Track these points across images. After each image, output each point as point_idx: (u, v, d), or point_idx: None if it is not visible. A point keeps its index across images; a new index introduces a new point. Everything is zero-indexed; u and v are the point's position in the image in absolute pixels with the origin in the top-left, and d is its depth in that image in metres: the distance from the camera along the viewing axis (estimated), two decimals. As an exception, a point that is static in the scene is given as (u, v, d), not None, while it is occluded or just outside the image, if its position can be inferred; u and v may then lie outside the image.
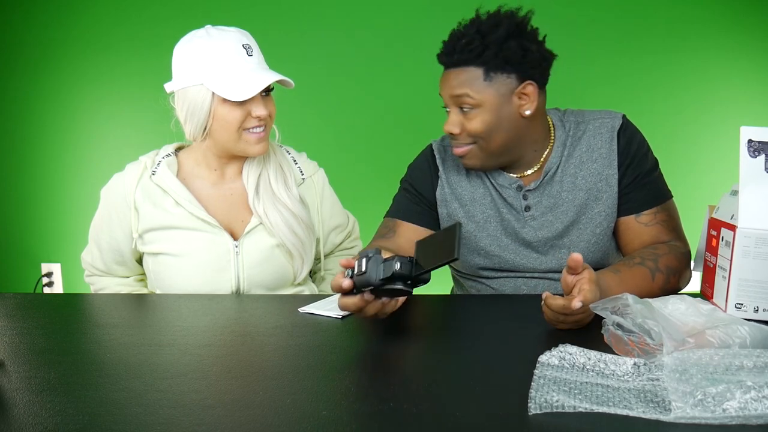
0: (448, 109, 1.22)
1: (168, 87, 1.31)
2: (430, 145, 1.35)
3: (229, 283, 1.33)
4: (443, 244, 0.88)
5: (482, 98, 1.16)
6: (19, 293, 1.30)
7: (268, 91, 1.30)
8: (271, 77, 1.26)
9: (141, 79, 2.50)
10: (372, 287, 0.89)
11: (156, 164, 1.35)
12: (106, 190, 1.39)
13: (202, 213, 1.32)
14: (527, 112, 1.18)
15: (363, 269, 0.89)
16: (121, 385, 0.79)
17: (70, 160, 2.61)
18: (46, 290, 2.67)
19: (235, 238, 1.34)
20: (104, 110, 2.57)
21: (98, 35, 2.51)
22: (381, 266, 0.89)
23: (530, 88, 1.17)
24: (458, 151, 1.22)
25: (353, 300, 0.92)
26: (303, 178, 1.43)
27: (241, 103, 1.25)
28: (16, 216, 2.66)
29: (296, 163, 1.44)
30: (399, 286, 0.88)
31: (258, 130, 1.29)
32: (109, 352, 0.92)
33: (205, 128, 1.28)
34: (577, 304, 0.90)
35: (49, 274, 2.67)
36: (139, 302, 1.26)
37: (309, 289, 1.45)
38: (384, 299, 0.94)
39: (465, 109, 1.17)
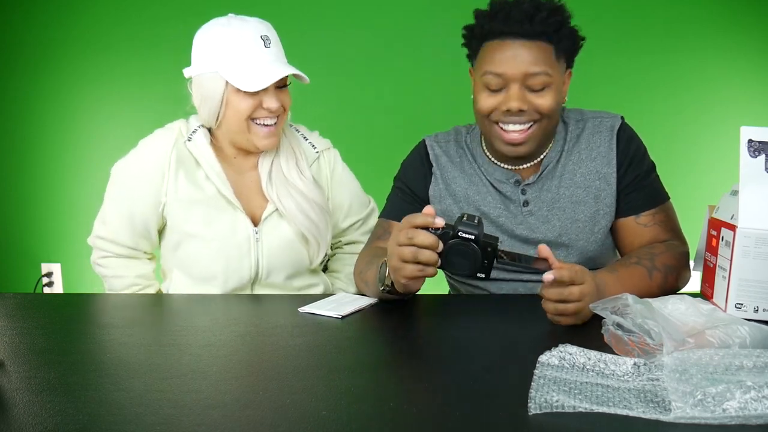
0: (493, 88, 1.12)
1: (186, 72, 1.31)
2: (423, 141, 1.33)
3: (248, 269, 1.34)
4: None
5: (556, 77, 1.12)
6: (19, 293, 1.30)
7: (283, 84, 1.30)
8: (284, 71, 1.25)
9: (141, 79, 2.50)
10: (464, 242, 0.94)
11: (191, 131, 1.34)
12: (131, 159, 1.35)
13: (229, 193, 1.32)
14: (565, 99, 1.19)
15: (475, 222, 0.96)
16: (121, 385, 0.79)
17: (70, 160, 2.61)
18: (46, 290, 2.67)
19: (255, 222, 1.35)
20: (104, 110, 2.57)
21: (98, 35, 2.51)
22: (487, 235, 0.96)
23: (568, 76, 1.18)
24: (519, 135, 1.14)
25: (433, 238, 0.94)
26: (316, 153, 1.42)
27: (254, 94, 1.25)
28: (16, 216, 2.66)
29: (306, 140, 1.43)
30: (483, 263, 0.95)
31: (269, 122, 1.29)
32: (109, 352, 0.92)
33: (218, 116, 1.29)
34: (548, 276, 0.94)
35: (49, 274, 2.67)
36: (139, 302, 1.26)
37: (323, 282, 1.45)
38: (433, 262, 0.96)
39: (535, 89, 1.11)
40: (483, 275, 0.97)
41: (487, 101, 1.14)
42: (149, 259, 1.45)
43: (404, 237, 0.95)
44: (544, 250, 0.98)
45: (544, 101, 1.12)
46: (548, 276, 0.94)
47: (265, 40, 1.26)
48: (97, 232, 1.40)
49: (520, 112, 1.12)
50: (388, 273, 1.03)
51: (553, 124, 1.18)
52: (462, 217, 0.97)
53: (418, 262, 0.96)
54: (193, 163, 1.33)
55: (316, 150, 1.42)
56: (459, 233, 0.95)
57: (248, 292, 1.37)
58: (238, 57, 1.24)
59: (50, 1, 2.50)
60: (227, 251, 1.32)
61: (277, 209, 1.35)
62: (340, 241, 1.53)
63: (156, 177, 1.31)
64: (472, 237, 0.94)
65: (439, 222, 0.95)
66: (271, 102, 1.26)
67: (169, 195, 1.32)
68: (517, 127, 1.14)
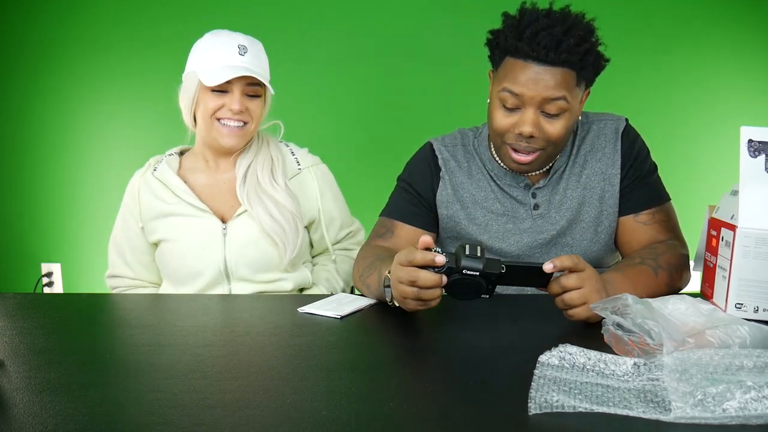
0: (509, 106, 1.12)
1: (183, 77, 1.40)
2: (430, 144, 1.32)
3: (217, 262, 1.39)
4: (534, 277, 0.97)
5: (573, 103, 1.11)
6: (19, 293, 1.30)
7: (255, 95, 1.36)
8: (246, 72, 1.30)
9: (141, 79, 2.50)
10: (468, 276, 0.93)
11: (158, 162, 1.47)
12: (123, 199, 1.49)
13: (194, 200, 1.41)
14: (579, 118, 1.20)
15: (478, 255, 0.93)
16: (121, 385, 0.79)
17: (70, 160, 2.61)
18: (46, 290, 2.67)
19: (224, 222, 1.41)
20: (104, 110, 2.57)
21: (98, 35, 2.51)
22: (491, 262, 0.94)
23: (586, 95, 1.18)
24: (524, 158, 1.15)
25: (436, 277, 0.93)
26: (299, 168, 1.48)
27: (220, 94, 1.33)
28: (16, 216, 2.66)
29: (293, 155, 1.49)
30: (487, 288, 0.95)
31: (231, 123, 1.35)
32: (109, 352, 0.92)
33: (191, 112, 1.38)
34: (547, 265, 0.93)
35: (49, 274, 2.67)
36: (139, 302, 1.26)
37: (301, 278, 1.46)
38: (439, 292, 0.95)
39: (550, 113, 1.11)
40: (487, 296, 0.97)
41: (502, 121, 1.14)
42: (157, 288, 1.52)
43: (405, 277, 0.93)
44: (548, 267, 0.95)
45: (555, 129, 1.12)
46: (547, 265, 0.94)
47: (241, 48, 1.33)
48: (105, 275, 1.53)
49: (531, 137, 1.12)
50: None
51: (559, 149, 1.18)
52: (464, 249, 0.94)
53: (420, 299, 0.95)
54: (159, 186, 1.43)
55: (299, 166, 1.48)
56: (463, 271, 0.93)
57: (225, 288, 1.40)
58: (211, 57, 1.33)
59: (50, 1, 2.50)
60: (195, 248, 1.39)
61: (247, 211, 1.40)
62: (323, 256, 1.56)
63: (132, 207, 1.46)
64: (477, 273, 0.93)
65: (440, 260, 0.92)
66: (233, 104, 1.33)
67: (143, 216, 1.44)
68: (524, 157, 1.15)
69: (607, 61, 1.15)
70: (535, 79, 1.08)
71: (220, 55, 1.32)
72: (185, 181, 1.43)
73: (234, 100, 1.33)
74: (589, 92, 1.19)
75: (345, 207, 1.56)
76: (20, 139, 2.61)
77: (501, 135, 1.16)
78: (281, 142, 1.51)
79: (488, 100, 1.19)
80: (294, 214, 1.42)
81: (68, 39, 2.52)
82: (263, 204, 1.39)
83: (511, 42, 1.09)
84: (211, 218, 1.40)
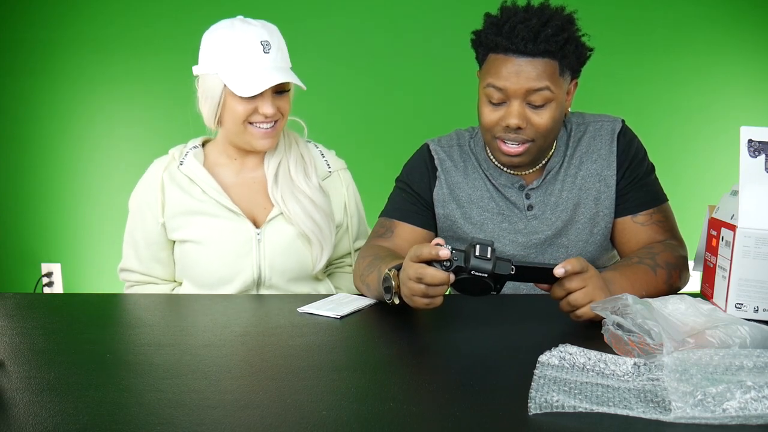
0: (495, 101, 1.14)
1: (194, 70, 1.34)
2: (426, 145, 1.34)
3: (250, 270, 1.34)
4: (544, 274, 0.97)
5: (558, 93, 1.12)
6: (19, 293, 1.30)
7: (282, 90, 1.31)
8: (279, 78, 1.26)
9: (141, 78, 2.50)
10: (476, 276, 0.93)
11: (183, 155, 1.39)
12: (135, 191, 1.42)
13: (226, 201, 1.34)
14: (569, 110, 1.20)
15: (488, 256, 0.93)
16: (121, 385, 0.79)
17: (70, 160, 2.61)
18: (46, 290, 2.67)
19: (257, 225, 1.36)
20: (104, 110, 2.56)
21: (98, 35, 2.51)
22: (500, 263, 0.94)
23: (574, 86, 1.19)
24: (515, 149, 1.16)
25: (443, 275, 0.92)
26: (329, 171, 1.45)
27: (250, 99, 1.27)
28: (16, 216, 2.66)
29: (323, 157, 1.46)
30: (495, 286, 0.96)
31: (264, 126, 1.30)
32: (109, 352, 0.92)
33: (216, 115, 1.32)
34: (558, 270, 0.94)
35: (49, 274, 2.67)
36: (139, 302, 1.26)
37: (325, 288, 1.45)
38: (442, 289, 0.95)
39: (536, 104, 1.12)
40: (494, 293, 0.98)
41: (489, 116, 1.16)
42: (168, 284, 1.47)
43: (413, 273, 0.93)
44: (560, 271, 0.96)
45: (542, 119, 1.13)
46: (558, 270, 0.94)
47: (265, 46, 1.26)
48: (118, 266, 1.46)
49: (518, 129, 1.14)
50: (395, 291, 1.02)
51: (549, 140, 1.19)
52: (474, 248, 0.93)
53: (428, 295, 0.95)
54: (187, 181, 1.36)
55: (329, 169, 1.45)
56: (472, 272, 0.93)
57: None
58: (236, 61, 1.26)
59: (49, 1, 2.50)
60: (227, 254, 1.33)
61: (281, 213, 1.36)
62: (344, 262, 1.53)
63: (151, 200, 1.36)
64: (485, 276, 0.93)
65: (444, 254, 0.92)
66: (266, 108, 1.28)
67: (167, 212, 1.36)
68: (513, 148, 1.16)
69: (591, 50, 1.16)
70: (516, 71, 1.10)
71: (245, 57, 1.25)
72: (213, 177, 1.36)
73: (266, 104, 1.27)
74: (577, 83, 1.19)
75: (365, 218, 1.53)
76: (20, 139, 2.61)
77: (490, 130, 1.17)
78: (309, 141, 1.48)
79: (478, 100, 1.20)
80: (327, 213, 1.39)
81: (68, 39, 2.52)
82: (300, 203, 1.35)
83: (492, 38, 1.12)
84: (244, 223, 1.34)
